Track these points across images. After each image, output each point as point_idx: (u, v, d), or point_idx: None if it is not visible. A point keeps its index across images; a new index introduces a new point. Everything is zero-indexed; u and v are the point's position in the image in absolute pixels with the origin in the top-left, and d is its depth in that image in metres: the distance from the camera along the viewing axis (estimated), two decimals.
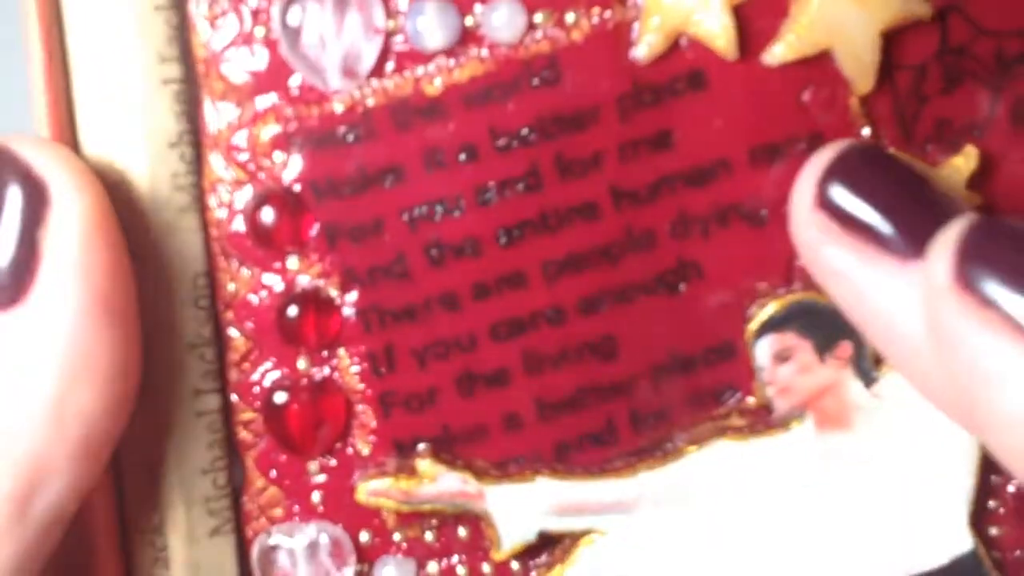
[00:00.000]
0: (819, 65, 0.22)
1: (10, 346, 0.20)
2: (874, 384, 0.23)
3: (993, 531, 0.23)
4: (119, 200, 0.22)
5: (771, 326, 0.23)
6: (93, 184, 0.21)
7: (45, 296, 0.20)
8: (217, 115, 0.22)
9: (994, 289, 0.18)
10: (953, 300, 0.19)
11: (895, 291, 0.20)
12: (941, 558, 0.23)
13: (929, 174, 0.21)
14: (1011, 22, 0.22)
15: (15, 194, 0.21)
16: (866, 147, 0.21)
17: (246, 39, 0.22)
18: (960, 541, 0.23)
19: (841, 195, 0.20)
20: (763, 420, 0.23)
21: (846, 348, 0.23)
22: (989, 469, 0.23)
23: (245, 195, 0.23)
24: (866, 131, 0.22)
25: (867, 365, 0.23)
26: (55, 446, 0.20)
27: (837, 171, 0.21)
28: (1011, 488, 0.24)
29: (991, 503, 0.23)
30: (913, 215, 0.20)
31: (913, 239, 0.20)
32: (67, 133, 0.22)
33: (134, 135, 0.22)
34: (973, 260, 0.19)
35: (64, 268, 0.20)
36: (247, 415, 0.23)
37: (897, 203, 0.20)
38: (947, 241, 0.19)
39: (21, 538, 0.20)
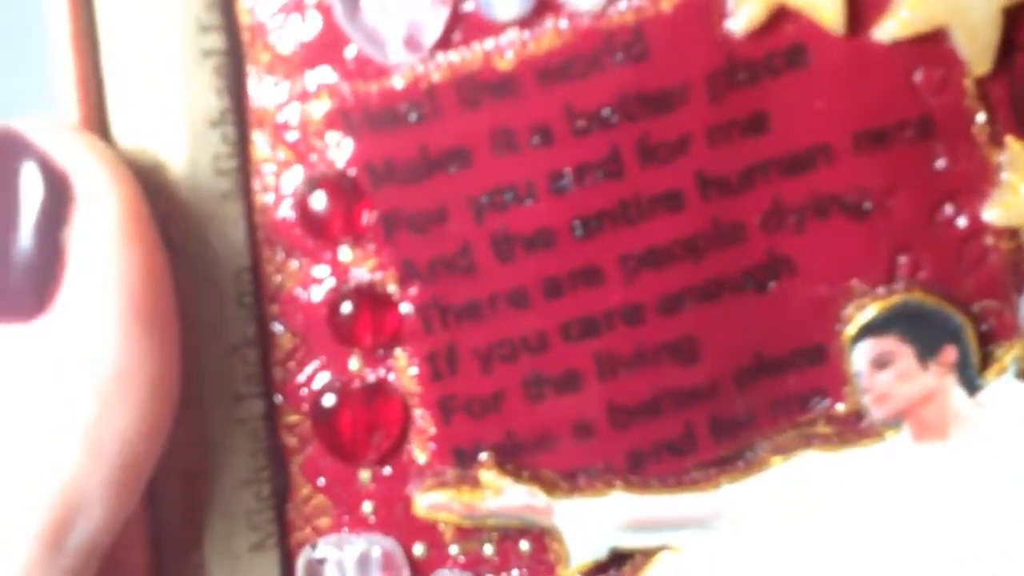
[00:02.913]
0: (932, 43, 0.20)
1: (35, 362, 0.18)
2: (978, 392, 0.21)
3: None
4: (154, 188, 0.20)
5: (871, 330, 0.21)
6: (124, 176, 0.19)
7: (72, 305, 0.18)
8: (263, 90, 0.20)
9: None
10: None
11: None
12: None
13: None
14: None
15: (35, 189, 0.18)
16: None
17: (297, 5, 0.20)
18: None
19: None
20: (853, 428, 0.21)
21: (950, 353, 0.21)
22: None
23: (294, 178, 0.20)
24: (980, 116, 0.20)
25: (972, 372, 0.21)
26: (91, 474, 0.18)
27: None
28: None
29: None
30: None
31: None
32: (95, 114, 0.20)
33: (171, 114, 0.20)
34: None
35: (93, 272, 0.18)
36: (293, 418, 0.21)
37: None
38: None
39: (57, 570, 0.18)
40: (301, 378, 0.21)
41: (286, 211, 0.21)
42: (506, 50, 0.20)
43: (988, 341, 0.21)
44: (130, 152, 0.20)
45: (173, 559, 0.21)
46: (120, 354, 0.18)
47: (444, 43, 0.20)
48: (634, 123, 0.20)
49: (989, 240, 0.21)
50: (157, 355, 0.19)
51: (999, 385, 0.21)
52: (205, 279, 0.21)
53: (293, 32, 0.20)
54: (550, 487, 0.21)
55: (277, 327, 0.21)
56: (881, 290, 0.21)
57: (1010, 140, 0.20)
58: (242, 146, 0.20)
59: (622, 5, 0.20)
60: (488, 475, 0.21)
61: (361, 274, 0.21)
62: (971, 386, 0.21)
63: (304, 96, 0.20)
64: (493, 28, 0.20)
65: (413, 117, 0.20)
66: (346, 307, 0.21)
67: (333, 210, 0.20)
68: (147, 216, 0.19)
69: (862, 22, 0.20)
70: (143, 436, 0.19)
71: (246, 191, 0.21)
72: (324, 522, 0.22)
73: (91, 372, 0.18)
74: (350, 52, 0.20)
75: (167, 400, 0.19)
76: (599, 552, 0.21)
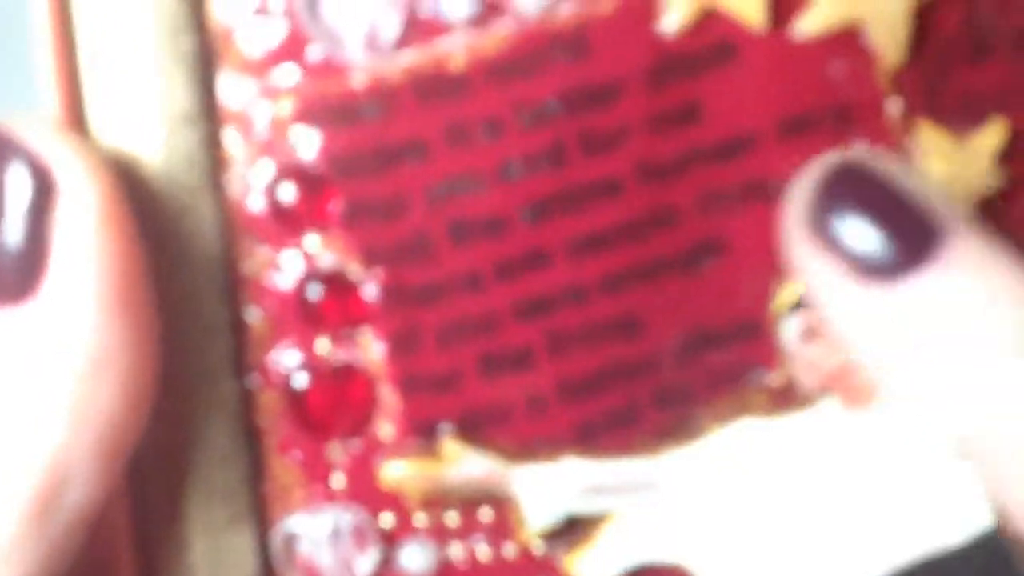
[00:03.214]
0: (847, 37, 0.22)
1: (22, 343, 0.19)
2: None
3: None
4: (132, 181, 0.21)
5: (799, 304, 0.23)
6: (104, 168, 0.20)
7: (58, 290, 0.19)
8: (233, 89, 0.22)
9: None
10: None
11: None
12: (963, 534, 0.23)
13: (913, 181, 0.21)
14: None
15: (20, 181, 0.20)
16: (847, 163, 0.21)
17: (263, 8, 0.21)
18: (983, 516, 0.23)
19: (829, 217, 0.21)
20: (788, 397, 0.23)
21: None
22: None
23: (263, 172, 0.22)
24: (894, 103, 0.22)
25: None
26: (76, 446, 0.19)
27: (824, 192, 0.21)
28: None
29: None
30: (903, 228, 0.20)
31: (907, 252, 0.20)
32: (75, 112, 0.21)
33: (147, 112, 0.22)
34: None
35: (77, 259, 0.20)
36: (266, 398, 0.23)
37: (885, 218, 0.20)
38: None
39: (45, 541, 0.19)
40: (273, 359, 0.23)
41: (256, 202, 0.22)
42: (459, 50, 0.22)
43: None
44: (109, 148, 0.22)
45: (155, 533, 0.23)
46: (102, 335, 0.20)
47: (401, 43, 0.22)
48: (576, 116, 0.22)
49: None
50: (138, 335, 0.20)
51: None
52: (181, 267, 0.22)
53: (260, 34, 0.22)
54: (506, 457, 0.23)
55: (250, 312, 0.22)
56: None
57: (922, 124, 0.22)
58: (215, 143, 0.22)
59: (565, 7, 0.22)
60: (449, 446, 0.22)
61: (327, 260, 0.22)
62: None
63: (272, 94, 0.22)
64: (446, 29, 0.22)
65: (372, 113, 0.22)
66: (314, 290, 0.22)
67: (300, 200, 0.22)
68: (127, 205, 0.20)
69: (783, 19, 0.22)
70: (126, 410, 0.20)
71: (218, 185, 0.22)
72: (297, 497, 0.23)
73: (75, 352, 0.19)
74: (313, 52, 0.22)
75: (147, 378, 0.20)
76: (556, 516, 0.23)
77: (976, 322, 0.20)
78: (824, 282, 0.21)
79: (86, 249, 0.20)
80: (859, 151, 0.21)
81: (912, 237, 0.20)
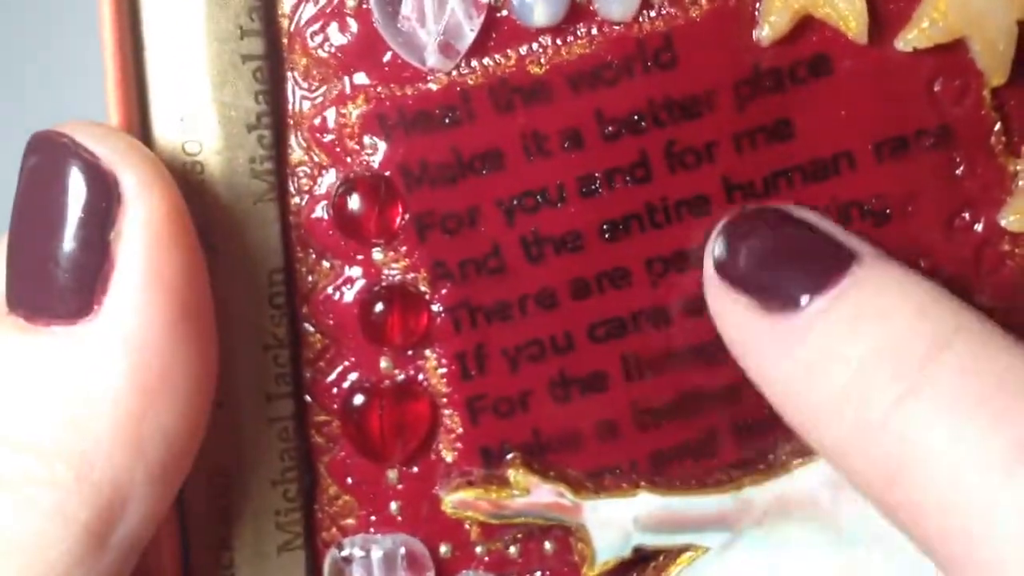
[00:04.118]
0: (951, 54, 0.21)
1: (81, 361, 0.18)
2: None
3: None
4: (192, 189, 0.20)
5: None
6: (165, 177, 0.19)
7: (120, 306, 0.18)
8: (301, 93, 0.21)
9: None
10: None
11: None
12: None
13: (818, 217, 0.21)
14: None
15: (81, 191, 0.18)
16: (753, 211, 0.21)
17: (336, 10, 0.20)
18: None
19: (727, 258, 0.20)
20: None
21: None
22: None
23: (329, 180, 0.21)
24: (997, 126, 0.21)
25: None
26: (135, 471, 0.18)
27: (728, 233, 0.21)
28: None
29: None
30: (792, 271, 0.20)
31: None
32: (137, 117, 0.20)
33: (210, 117, 0.20)
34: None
35: (139, 274, 0.18)
36: (322, 417, 0.22)
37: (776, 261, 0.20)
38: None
39: (100, 568, 0.18)
40: (331, 378, 0.21)
41: (320, 212, 0.21)
42: (539, 56, 0.20)
43: None
44: (170, 154, 0.20)
45: (202, 558, 0.22)
46: (164, 354, 0.18)
47: (479, 48, 0.20)
48: (662, 129, 0.21)
49: (1006, 247, 0.22)
50: (198, 354, 0.19)
51: None
52: (240, 279, 0.21)
53: (332, 37, 0.20)
54: (575, 486, 0.21)
55: (308, 327, 0.21)
56: None
57: None
58: (280, 149, 0.21)
59: (653, 13, 0.20)
60: (516, 473, 0.21)
61: (393, 275, 0.21)
62: None
63: (341, 100, 0.21)
64: (527, 34, 0.20)
65: (447, 120, 0.20)
66: (378, 307, 0.21)
67: (367, 211, 0.21)
68: (188, 217, 0.19)
69: (884, 33, 0.20)
70: (184, 434, 0.19)
71: (281, 193, 0.21)
72: (351, 522, 0.22)
73: (136, 371, 0.18)
74: (386, 57, 0.20)
75: (206, 398, 0.19)
76: (624, 551, 0.21)
77: (891, 335, 0.19)
78: (733, 323, 0.20)
79: (148, 262, 0.18)
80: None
81: (821, 265, 0.19)
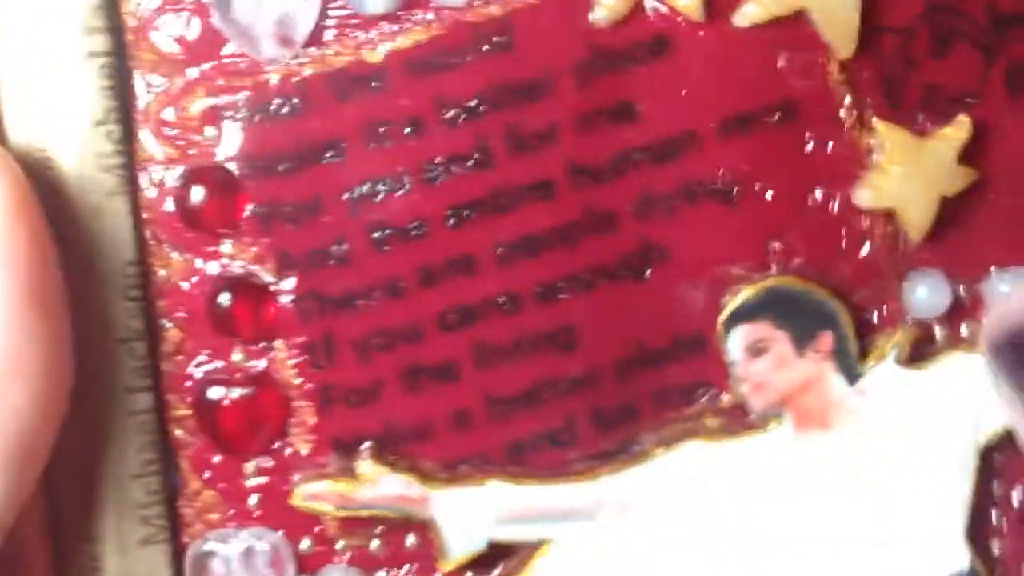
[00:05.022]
0: (796, 27, 0.20)
1: None
2: (859, 380, 0.21)
3: (995, 547, 0.21)
4: (42, 183, 0.20)
5: (743, 315, 0.21)
6: (12, 170, 0.19)
7: None
8: (147, 88, 0.21)
9: None
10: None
11: None
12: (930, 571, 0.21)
13: None
14: None
15: None
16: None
17: (176, 5, 0.21)
18: (956, 557, 0.21)
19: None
20: (739, 420, 0.21)
21: (827, 340, 0.21)
22: (990, 475, 0.21)
23: (177, 174, 0.21)
24: (847, 99, 0.21)
25: (851, 359, 0.21)
26: None
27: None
28: (1016, 497, 0.22)
29: (992, 514, 0.21)
30: None
31: None
32: None
33: (58, 112, 0.21)
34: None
35: None
36: (181, 412, 0.22)
37: None
38: None
39: None
40: (189, 370, 0.22)
41: (169, 206, 0.21)
42: (377, 43, 0.20)
43: (873, 330, 0.21)
44: (20, 149, 0.21)
45: (69, 551, 0.22)
46: (13, 335, 0.19)
47: (316, 38, 0.20)
48: (502, 113, 0.20)
49: (865, 224, 0.21)
50: (49, 336, 0.19)
51: (879, 372, 0.21)
52: (93, 274, 0.21)
53: (174, 32, 0.21)
54: (428, 477, 0.21)
55: (165, 322, 0.21)
56: (759, 277, 0.21)
57: (878, 123, 0.21)
58: (128, 144, 0.21)
59: None
60: (364, 465, 0.21)
61: (240, 265, 0.21)
62: (851, 374, 0.21)
63: (184, 93, 0.21)
64: (363, 22, 0.20)
65: (286, 111, 0.21)
66: (224, 298, 0.21)
67: (211, 203, 0.21)
68: (35, 205, 0.19)
69: (723, 8, 0.20)
70: (39, 414, 0.19)
71: (133, 187, 0.21)
72: (214, 516, 0.22)
73: None
74: (226, 50, 0.21)
75: (61, 380, 0.20)
76: (477, 544, 0.21)
77: None
78: None
79: None
80: None
81: None
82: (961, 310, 0.21)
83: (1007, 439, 0.21)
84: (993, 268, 0.21)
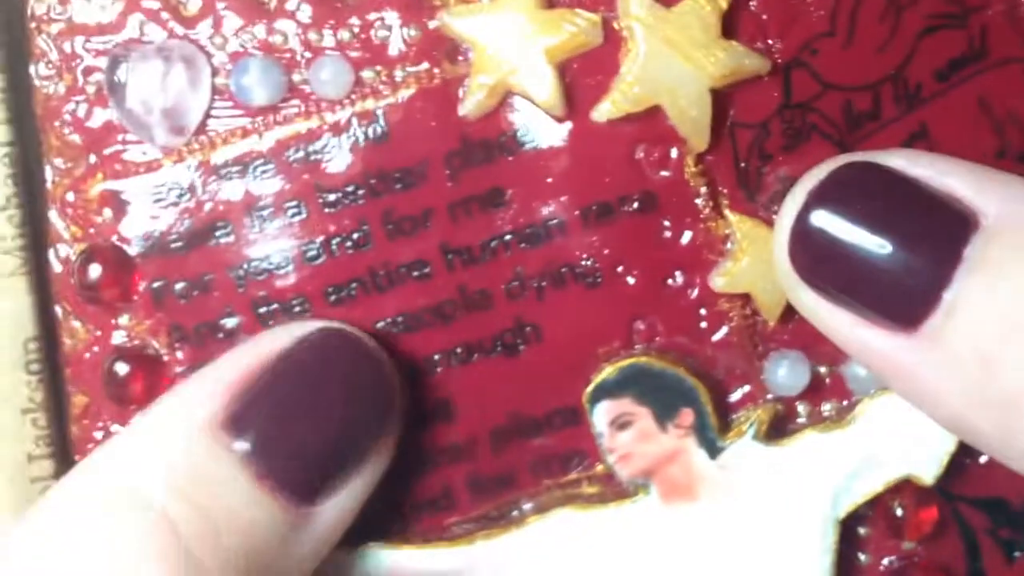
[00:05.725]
0: (652, 122, 0.21)
1: None
2: (719, 454, 0.22)
3: None
4: None
5: (605, 391, 0.22)
6: None
7: None
8: (54, 172, 0.22)
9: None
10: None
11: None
12: None
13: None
14: (860, 76, 0.21)
15: None
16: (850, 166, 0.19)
17: (79, 96, 0.22)
18: None
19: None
20: (614, 488, 0.22)
21: (687, 416, 0.22)
22: (851, 544, 0.22)
23: (77, 252, 0.22)
24: (703, 190, 0.22)
25: (711, 434, 0.22)
26: None
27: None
28: (883, 564, 0.22)
29: None
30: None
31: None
32: None
33: None
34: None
35: None
36: None
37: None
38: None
39: None
40: (96, 434, 0.23)
41: (71, 281, 0.22)
42: (262, 131, 0.22)
43: (734, 408, 0.22)
44: None
45: None
46: None
47: (204, 127, 0.22)
48: (379, 198, 0.22)
49: (724, 306, 0.22)
50: None
51: (738, 448, 0.22)
52: None
53: (76, 120, 0.22)
54: None
55: (71, 388, 0.23)
56: (624, 355, 0.22)
57: (730, 213, 0.21)
58: (34, 225, 0.23)
59: (365, 90, 0.22)
60: None
61: (136, 338, 0.22)
62: (712, 448, 0.22)
63: (85, 177, 0.22)
64: (248, 113, 0.22)
65: (177, 194, 0.22)
66: (121, 368, 0.22)
67: (106, 280, 0.22)
68: None
69: (584, 106, 0.21)
70: None
71: (38, 265, 0.23)
72: None
73: None
74: (124, 136, 0.22)
75: None
76: None
77: None
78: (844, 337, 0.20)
79: None
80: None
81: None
82: (823, 389, 0.22)
83: (868, 512, 0.22)
84: None
